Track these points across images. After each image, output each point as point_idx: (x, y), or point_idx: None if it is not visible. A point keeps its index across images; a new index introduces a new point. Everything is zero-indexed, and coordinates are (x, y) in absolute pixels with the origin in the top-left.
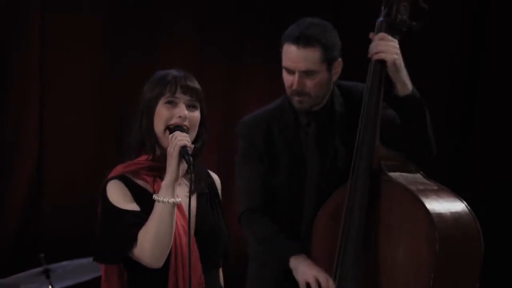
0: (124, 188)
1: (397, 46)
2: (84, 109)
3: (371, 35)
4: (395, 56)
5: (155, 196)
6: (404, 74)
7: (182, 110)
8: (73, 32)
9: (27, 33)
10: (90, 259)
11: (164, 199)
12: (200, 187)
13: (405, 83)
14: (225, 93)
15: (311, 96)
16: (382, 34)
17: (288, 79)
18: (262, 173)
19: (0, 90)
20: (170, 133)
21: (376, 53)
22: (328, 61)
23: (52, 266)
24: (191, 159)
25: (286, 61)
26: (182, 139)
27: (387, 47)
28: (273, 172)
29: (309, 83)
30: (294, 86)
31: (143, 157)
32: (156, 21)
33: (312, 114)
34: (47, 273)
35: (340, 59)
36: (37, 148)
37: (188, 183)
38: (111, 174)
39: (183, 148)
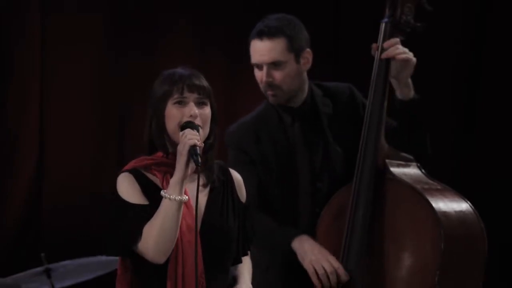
0: (133, 181)
1: None
2: (84, 109)
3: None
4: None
5: (162, 192)
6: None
7: (192, 108)
8: (73, 32)
9: (27, 33)
10: (91, 258)
11: (171, 196)
12: (210, 181)
13: (411, 86)
14: (225, 93)
15: (283, 90)
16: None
17: (257, 75)
18: (256, 174)
19: (0, 90)
20: (181, 130)
21: (399, 53)
22: (295, 52)
23: (53, 265)
24: (199, 159)
25: (253, 57)
26: (192, 137)
27: (404, 50)
28: (267, 176)
29: (278, 75)
30: (264, 79)
31: (159, 154)
32: (156, 21)
33: (293, 112)
34: (48, 273)
35: (308, 49)
36: (37, 148)
37: (201, 180)
38: (124, 168)
39: (193, 148)
